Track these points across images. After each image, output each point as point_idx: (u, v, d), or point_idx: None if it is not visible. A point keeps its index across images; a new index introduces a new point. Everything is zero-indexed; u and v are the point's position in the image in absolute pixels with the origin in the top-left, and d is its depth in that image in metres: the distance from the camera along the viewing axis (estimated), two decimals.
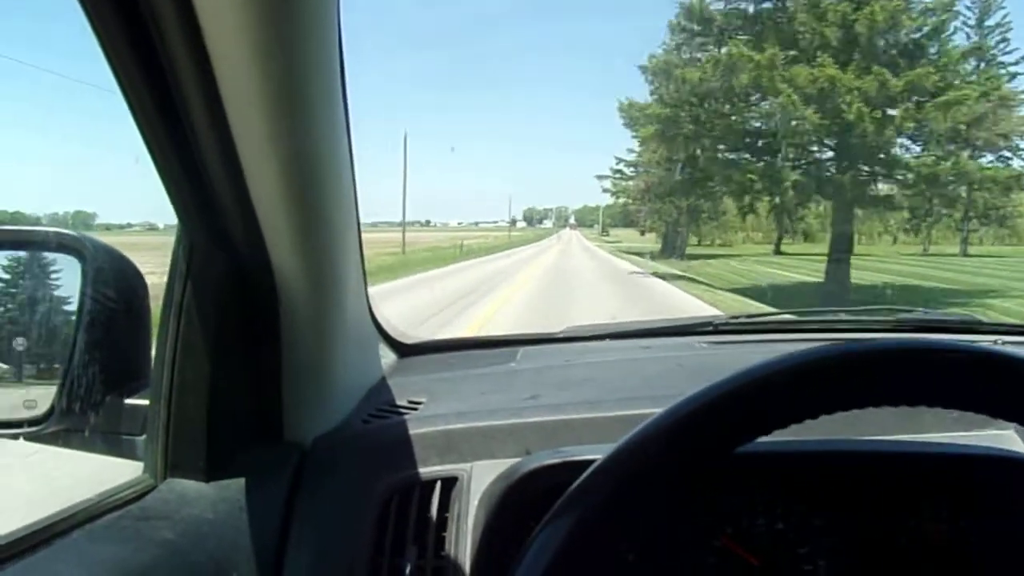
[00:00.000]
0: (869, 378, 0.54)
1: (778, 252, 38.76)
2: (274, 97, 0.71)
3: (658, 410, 0.57)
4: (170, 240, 0.84)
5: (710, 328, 1.55)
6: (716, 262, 29.82)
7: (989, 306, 13.59)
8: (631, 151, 38.63)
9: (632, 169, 38.28)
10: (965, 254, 34.19)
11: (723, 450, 0.55)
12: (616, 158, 39.38)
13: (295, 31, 0.69)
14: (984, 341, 1.37)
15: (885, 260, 29.83)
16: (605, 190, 39.21)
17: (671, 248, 36.82)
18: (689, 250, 37.39)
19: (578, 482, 0.56)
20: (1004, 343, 1.37)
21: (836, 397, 0.54)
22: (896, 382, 0.54)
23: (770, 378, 0.55)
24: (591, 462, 0.57)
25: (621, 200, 39.33)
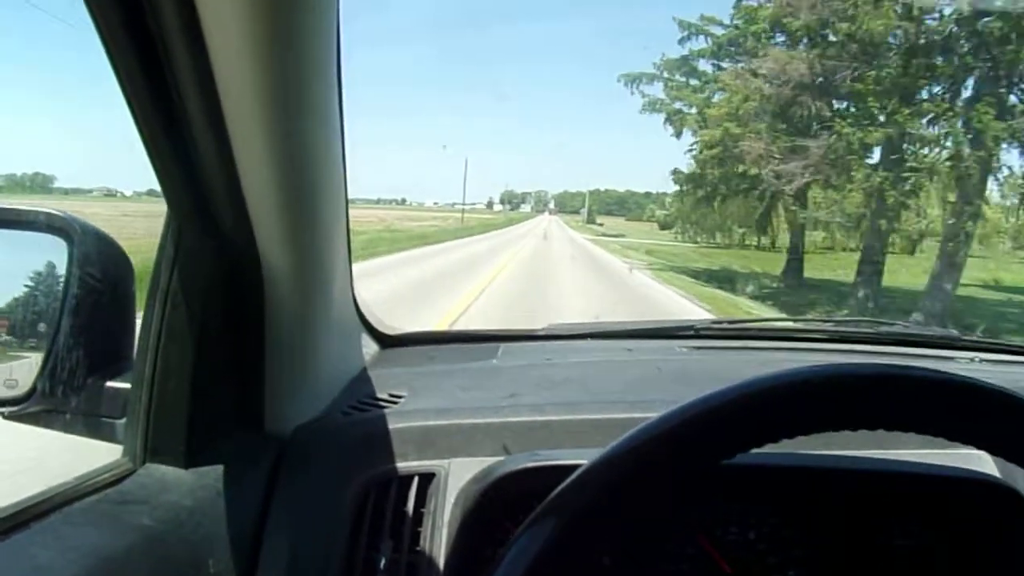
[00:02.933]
0: (851, 402, 0.55)
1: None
2: (268, 85, 0.71)
3: (636, 415, 0.58)
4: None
5: (691, 332, 1.56)
6: None
7: None
8: (710, 21, 17.30)
9: (729, 64, 16.82)
10: None
11: (711, 463, 0.56)
12: (684, 25, 17.70)
13: (292, 20, 0.69)
14: (962, 358, 1.39)
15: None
16: (649, 107, 18.57)
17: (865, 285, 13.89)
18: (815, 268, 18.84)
19: (562, 487, 0.57)
20: (982, 360, 1.40)
21: (826, 418, 0.55)
22: (874, 408, 0.55)
23: (763, 394, 0.55)
24: (567, 467, 0.58)
25: (698, 135, 17.33)
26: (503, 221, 60.54)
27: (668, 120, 18.49)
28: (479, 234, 34.72)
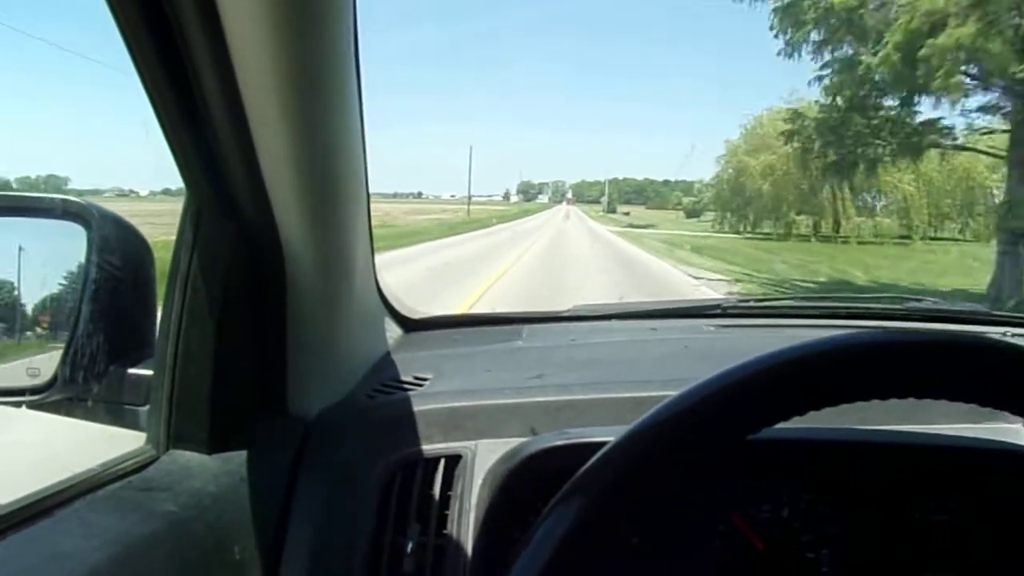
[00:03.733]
0: (885, 369, 0.53)
1: None
2: (287, 66, 0.70)
3: (664, 393, 0.56)
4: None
5: (718, 311, 1.54)
6: None
7: None
8: None
9: None
10: None
11: (736, 437, 0.54)
12: None
13: (310, 5, 0.68)
14: (993, 333, 1.36)
15: None
16: None
17: None
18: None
19: (587, 466, 0.55)
20: (1013, 335, 1.36)
21: (851, 387, 0.53)
22: (908, 374, 0.53)
23: (785, 366, 0.53)
24: (596, 444, 0.56)
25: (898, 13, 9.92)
26: (516, 212, 58.75)
27: (782, 13, 10.95)
28: (484, 228, 31.23)
